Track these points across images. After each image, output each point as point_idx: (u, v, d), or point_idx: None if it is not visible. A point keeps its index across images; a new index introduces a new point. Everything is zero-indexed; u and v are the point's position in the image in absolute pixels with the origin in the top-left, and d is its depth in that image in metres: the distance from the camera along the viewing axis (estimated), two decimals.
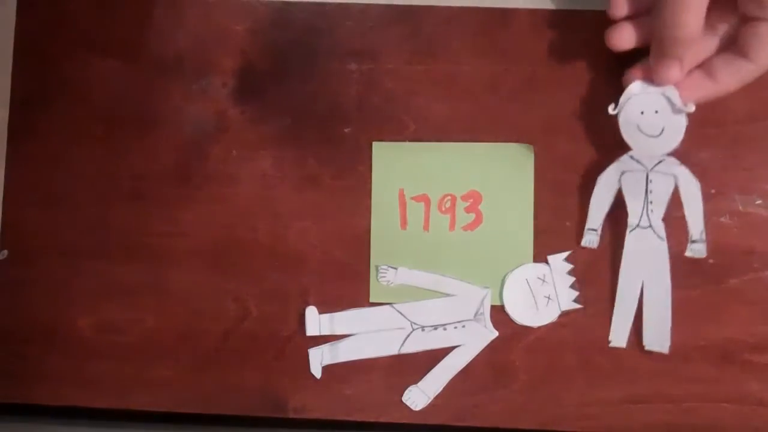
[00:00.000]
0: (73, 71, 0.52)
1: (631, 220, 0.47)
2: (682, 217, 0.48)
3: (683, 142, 0.46)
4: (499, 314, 0.49)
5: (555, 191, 0.49)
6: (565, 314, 0.49)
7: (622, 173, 0.47)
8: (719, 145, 0.48)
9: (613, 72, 0.48)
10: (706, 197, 0.48)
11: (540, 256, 0.49)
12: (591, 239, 0.48)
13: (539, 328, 0.49)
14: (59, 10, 0.52)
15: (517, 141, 0.49)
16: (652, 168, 0.47)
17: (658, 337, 0.47)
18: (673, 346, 0.48)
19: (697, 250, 0.47)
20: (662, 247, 0.47)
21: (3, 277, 0.51)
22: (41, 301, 0.51)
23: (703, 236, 0.46)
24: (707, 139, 0.48)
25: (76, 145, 0.51)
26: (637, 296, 0.48)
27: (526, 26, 0.50)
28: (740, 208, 0.48)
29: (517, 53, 0.50)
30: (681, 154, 0.47)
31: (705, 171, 0.48)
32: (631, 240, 0.47)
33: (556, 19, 0.49)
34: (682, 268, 0.48)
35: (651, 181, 0.47)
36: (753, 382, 0.48)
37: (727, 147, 0.48)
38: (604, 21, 0.46)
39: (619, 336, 0.48)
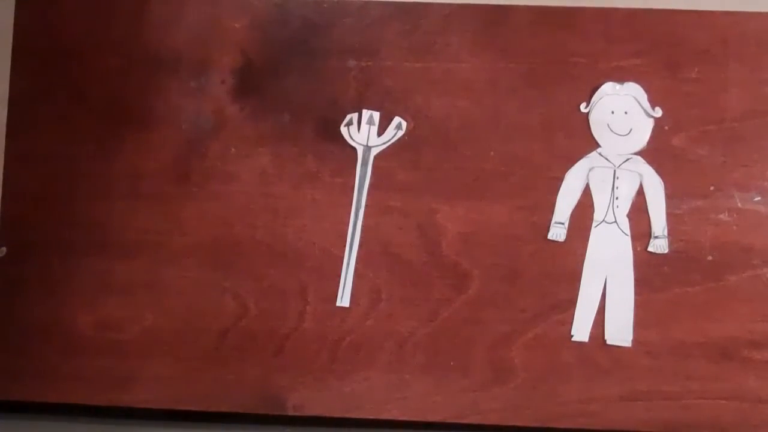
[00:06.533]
0: (71, 69, 0.52)
1: (597, 215, 0.48)
2: (679, 215, 0.48)
3: (679, 138, 0.46)
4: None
5: (554, 187, 0.49)
6: (562, 312, 0.49)
7: (591, 169, 0.48)
8: (718, 143, 0.48)
9: (612, 69, 0.48)
10: (705, 194, 0.48)
11: None
12: (558, 232, 0.48)
13: (538, 325, 0.49)
14: (57, 9, 0.52)
15: (515, 137, 0.49)
16: (619, 165, 0.48)
17: (620, 332, 0.48)
18: (672, 343, 0.48)
19: (659, 245, 0.48)
20: (626, 243, 0.48)
21: (2, 275, 0.51)
22: (40, 299, 0.51)
23: (665, 232, 0.48)
24: (706, 137, 0.48)
25: (74, 143, 0.51)
26: (601, 290, 0.48)
27: (524, 23, 0.49)
28: (739, 205, 0.48)
29: (516, 50, 0.49)
30: (679, 150, 0.48)
31: (703, 168, 0.48)
32: (595, 235, 0.48)
33: (554, 15, 0.49)
34: (681, 266, 0.48)
35: (618, 178, 0.48)
36: (752, 379, 0.48)
37: (725, 144, 0.48)
38: (602, 17, 0.46)
39: (581, 330, 0.48)
